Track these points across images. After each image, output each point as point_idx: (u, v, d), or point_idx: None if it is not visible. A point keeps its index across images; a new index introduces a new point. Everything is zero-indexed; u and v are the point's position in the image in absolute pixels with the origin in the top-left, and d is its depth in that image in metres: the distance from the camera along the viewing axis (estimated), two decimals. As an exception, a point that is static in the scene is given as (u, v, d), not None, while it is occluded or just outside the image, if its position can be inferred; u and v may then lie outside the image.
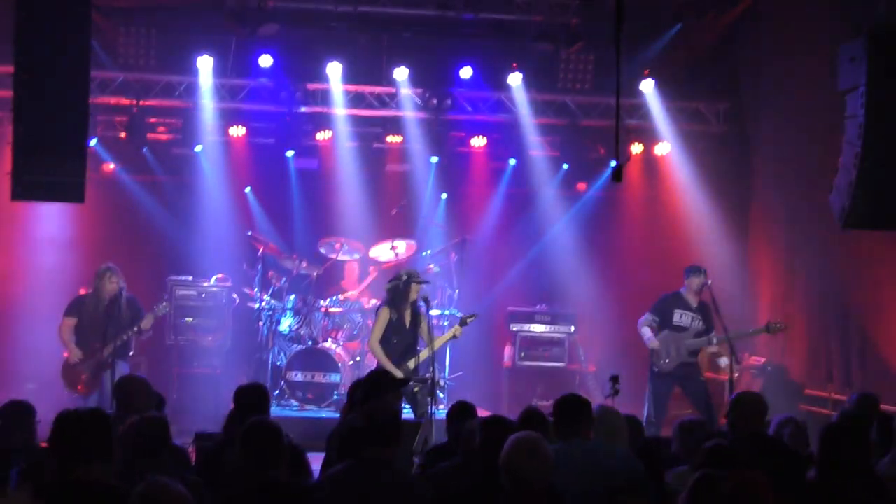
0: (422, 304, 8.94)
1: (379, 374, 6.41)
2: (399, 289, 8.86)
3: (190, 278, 11.82)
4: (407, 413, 9.03)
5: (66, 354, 9.20)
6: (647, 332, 9.34)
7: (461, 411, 5.87)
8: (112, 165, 12.53)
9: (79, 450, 3.76)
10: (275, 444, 4.24)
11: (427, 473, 5.10)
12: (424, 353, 8.73)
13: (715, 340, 9.10)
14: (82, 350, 9.10)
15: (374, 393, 5.88)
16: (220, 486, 4.55)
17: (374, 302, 11.31)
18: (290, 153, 12.82)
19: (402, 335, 8.86)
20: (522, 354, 11.94)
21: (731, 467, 4.23)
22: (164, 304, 9.65)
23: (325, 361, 10.80)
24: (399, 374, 8.42)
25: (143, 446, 4.57)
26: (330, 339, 11.31)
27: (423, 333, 8.89)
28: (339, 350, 11.07)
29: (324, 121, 12.51)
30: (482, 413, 6.26)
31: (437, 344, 8.90)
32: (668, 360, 9.24)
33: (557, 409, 5.17)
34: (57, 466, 3.81)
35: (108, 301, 9.02)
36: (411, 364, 8.77)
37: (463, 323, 9.26)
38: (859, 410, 6.20)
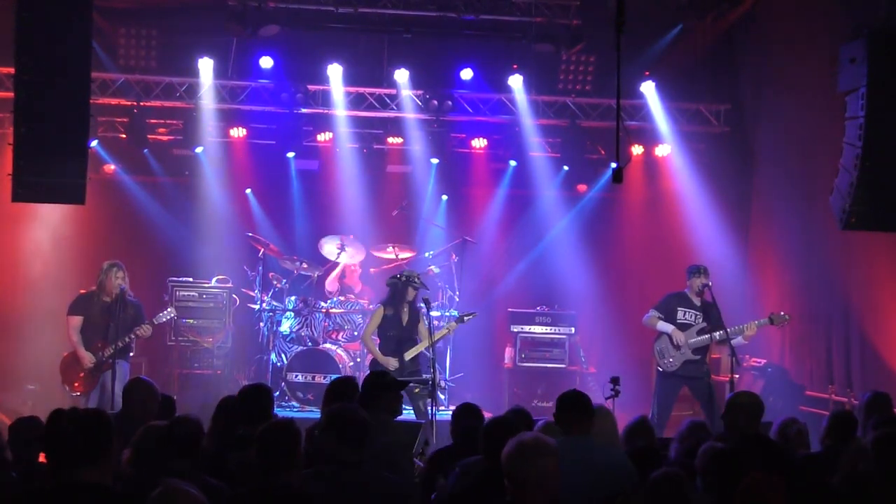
0: (422, 305, 9.22)
1: (377, 375, 6.40)
2: (397, 287, 9.28)
3: (190, 279, 11.82)
4: (408, 413, 9.07)
5: (65, 355, 9.17)
6: (660, 323, 9.29)
7: (467, 413, 5.88)
8: (113, 166, 12.53)
9: (76, 451, 3.73)
10: (292, 446, 4.20)
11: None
12: (419, 347, 9.16)
13: (717, 337, 9.08)
14: (85, 348, 9.05)
15: (374, 393, 5.88)
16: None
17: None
18: (290, 154, 12.82)
19: (398, 330, 9.22)
20: (523, 355, 11.93)
21: (730, 469, 4.23)
22: (167, 311, 9.61)
23: (325, 362, 10.80)
24: (393, 363, 8.95)
25: (174, 448, 4.56)
26: (330, 341, 11.31)
27: (421, 332, 9.26)
28: (339, 351, 11.07)
29: (324, 122, 12.52)
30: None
31: (425, 344, 9.12)
32: (671, 360, 9.23)
33: (558, 404, 5.28)
34: (54, 469, 3.76)
35: (112, 300, 8.99)
36: (407, 355, 9.14)
37: (460, 320, 9.68)
38: (873, 409, 6.20)
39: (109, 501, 3.71)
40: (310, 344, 11.20)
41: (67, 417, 3.83)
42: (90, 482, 3.67)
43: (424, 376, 8.77)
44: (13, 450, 5.48)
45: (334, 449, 4.48)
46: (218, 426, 5.61)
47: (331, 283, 11.84)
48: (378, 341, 9.34)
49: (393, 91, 12.34)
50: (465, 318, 9.68)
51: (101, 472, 3.73)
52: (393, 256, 11.87)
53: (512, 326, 12.05)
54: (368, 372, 8.61)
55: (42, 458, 5.30)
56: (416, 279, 9.30)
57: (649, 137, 12.62)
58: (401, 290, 9.23)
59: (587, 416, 5.19)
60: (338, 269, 11.88)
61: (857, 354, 10.08)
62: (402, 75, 12.12)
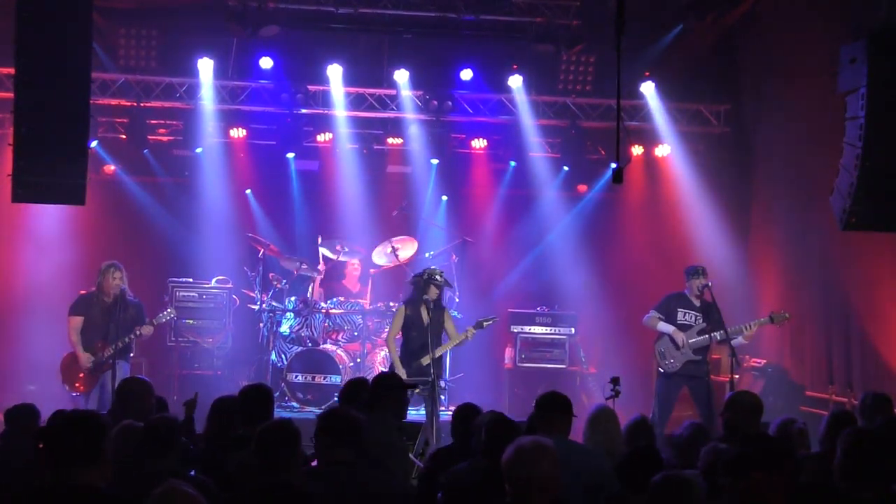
0: (445, 303, 9.17)
1: (386, 375, 6.43)
2: (418, 286, 9.10)
3: (191, 280, 11.83)
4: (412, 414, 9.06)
5: (65, 355, 9.16)
6: (660, 323, 9.29)
7: (469, 413, 5.87)
8: (113, 167, 12.54)
9: (72, 453, 3.72)
10: (291, 446, 4.21)
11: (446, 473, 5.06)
12: (438, 351, 8.91)
13: (718, 338, 9.08)
14: (86, 348, 9.05)
15: (381, 393, 5.90)
16: (222, 486, 4.54)
17: (380, 305, 11.43)
18: (290, 155, 12.83)
19: (419, 330, 9.01)
20: (523, 356, 11.93)
21: (732, 470, 4.22)
22: (168, 311, 9.60)
23: (325, 363, 10.80)
24: (402, 372, 8.65)
25: (152, 447, 4.56)
26: (330, 341, 11.31)
27: (448, 332, 9.14)
28: (339, 352, 11.08)
29: (324, 123, 12.52)
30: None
31: (449, 345, 9.17)
32: (672, 361, 9.23)
33: (538, 404, 5.32)
34: (51, 469, 3.77)
35: (112, 300, 8.99)
36: (424, 360, 8.88)
37: (479, 326, 9.37)
38: (874, 410, 6.19)
39: (107, 502, 3.72)
40: (310, 344, 11.20)
41: (65, 418, 3.85)
42: (87, 483, 3.68)
43: (428, 377, 8.73)
44: (11, 438, 5.49)
45: (331, 450, 4.49)
46: (213, 427, 5.61)
47: (315, 293, 11.72)
48: (401, 342, 9.22)
49: (393, 91, 12.34)
50: (485, 323, 9.36)
51: (100, 472, 3.74)
52: (394, 258, 11.83)
53: (512, 327, 12.05)
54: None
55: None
56: (437, 276, 9.09)
57: (649, 138, 12.62)
58: (421, 289, 9.06)
59: (567, 417, 5.24)
60: (315, 283, 11.75)
61: (857, 354, 10.07)
62: (402, 76, 12.12)
